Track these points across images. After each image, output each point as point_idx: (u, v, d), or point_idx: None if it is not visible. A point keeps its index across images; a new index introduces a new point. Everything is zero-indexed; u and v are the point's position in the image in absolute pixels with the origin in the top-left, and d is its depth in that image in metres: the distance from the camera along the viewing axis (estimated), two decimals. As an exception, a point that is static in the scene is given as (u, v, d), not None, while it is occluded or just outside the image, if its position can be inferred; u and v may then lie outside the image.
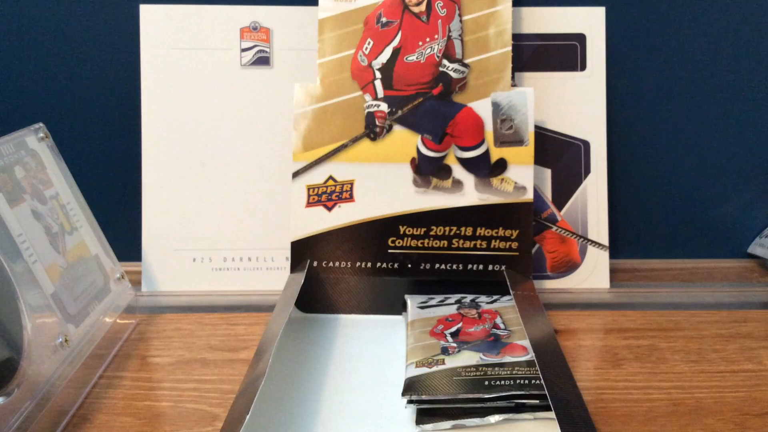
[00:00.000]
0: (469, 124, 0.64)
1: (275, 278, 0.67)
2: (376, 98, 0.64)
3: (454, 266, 0.64)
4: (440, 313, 0.59)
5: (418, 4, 0.64)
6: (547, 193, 0.67)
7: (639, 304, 0.65)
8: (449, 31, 0.64)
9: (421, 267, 0.64)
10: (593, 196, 0.67)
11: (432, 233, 0.64)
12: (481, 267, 0.64)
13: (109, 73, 0.70)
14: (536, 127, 0.65)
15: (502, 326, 0.56)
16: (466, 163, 0.64)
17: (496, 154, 0.64)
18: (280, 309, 0.56)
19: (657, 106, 0.71)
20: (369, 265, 0.64)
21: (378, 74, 0.64)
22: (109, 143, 0.71)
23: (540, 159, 0.66)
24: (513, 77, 0.65)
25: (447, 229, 0.64)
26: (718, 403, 0.49)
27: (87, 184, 0.62)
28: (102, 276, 0.60)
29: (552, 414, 0.42)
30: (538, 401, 0.47)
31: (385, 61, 0.64)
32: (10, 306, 0.46)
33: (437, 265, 0.64)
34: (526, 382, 0.48)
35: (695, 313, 0.63)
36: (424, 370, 0.50)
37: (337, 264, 0.64)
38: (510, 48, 0.64)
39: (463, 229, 0.64)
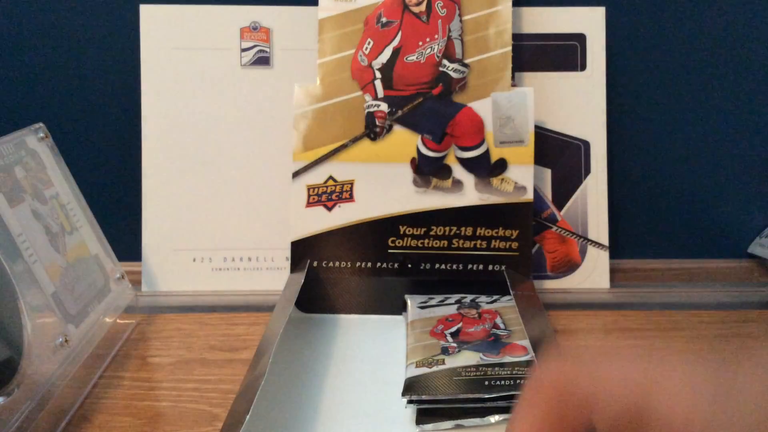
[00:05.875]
0: (469, 124, 0.64)
1: (275, 278, 0.67)
2: (376, 98, 0.64)
3: (454, 266, 0.64)
4: (440, 313, 0.59)
5: (418, 4, 0.64)
6: (547, 193, 0.67)
7: (639, 304, 0.65)
8: (449, 31, 0.64)
9: (421, 267, 0.64)
10: (593, 196, 0.67)
11: (432, 233, 0.64)
12: (481, 267, 0.64)
13: (109, 73, 0.70)
14: (536, 127, 0.65)
15: (502, 326, 0.56)
16: (466, 163, 0.64)
17: (496, 154, 0.64)
18: (280, 309, 0.56)
19: (657, 106, 0.71)
20: (369, 265, 0.64)
21: (378, 74, 0.64)
22: (109, 143, 0.71)
23: (540, 159, 0.66)
24: (513, 77, 0.65)
25: (447, 229, 0.64)
26: (718, 403, 0.49)
27: (87, 184, 0.62)
28: (102, 276, 0.59)
29: (552, 414, 0.42)
30: (538, 401, 0.47)
31: (385, 61, 0.64)
32: (10, 306, 0.46)
33: (437, 265, 0.64)
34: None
35: (695, 313, 0.63)
36: (424, 370, 0.50)
37: (337, 264, 0.64)
38: (510, 48, 0.64)
39: (463, 229, 0.64)
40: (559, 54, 0.67)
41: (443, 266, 0.64)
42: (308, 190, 0.64)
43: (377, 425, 0.47)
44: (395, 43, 0.64)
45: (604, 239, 0.67)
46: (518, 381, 0.48)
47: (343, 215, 0.64)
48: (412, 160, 0.64)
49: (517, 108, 0.64)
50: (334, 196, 0.64)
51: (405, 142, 0.64)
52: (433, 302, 0.61)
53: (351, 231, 0.64)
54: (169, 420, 0.48)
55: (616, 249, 0.72)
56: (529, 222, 0.64)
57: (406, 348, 0.54)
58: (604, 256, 0.67)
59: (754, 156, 0.72)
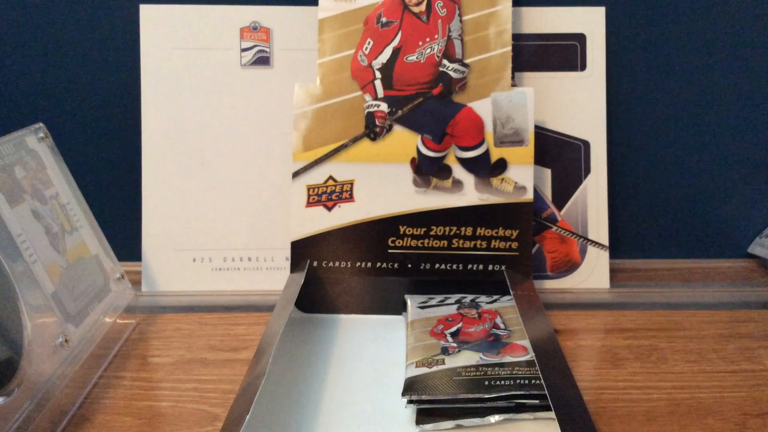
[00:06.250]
0: (469, 124, 0.64)
1: (275, 278, 0.67)
2: (376, 98, 0.64)
3: (454, 266, 0.64)
4: (440, 313, 0.59)
5: (418, 4, 0.64)
6: (547, 193, 0.67)
7: (639, 304, 0.65)
8: (449, 31, 0.64)
9: (421, 267, 0.64)
10: (593, 196, 0.67)
11: (432, 233, 0.64)
12: (481, 267, 0.64)
13: (109, 73, 0.70)
14: (536, 127, 0.65)
15: (502, 326, 0.56)
16: (466, 163, 0.64)
17: (496, 154, 0.64)
18: (280, 309, 0.56)
19: (657, 106, 0.71)
20: (369, 265, 0.64)
21: (378, 74, 0.64)
22: (109, 143, 0.71)
23: (540, 159, 0.66)
24: (513, 77, 0.65)
25: (447, 229, 0.64)
26: (718, 403, 0.49)
27: (87, 184, 0.62)
28: (102, 276, 0.60)
29: (552, 414, 0.42)
30: (538, 401, 0.47)
31: (385, 61, 0.64)
32: (10, 306, 0.46)
33: (437, 265, 0.64)
34: (526, 382, 0.48)
35: (695, 313, 0.63)
36: (424, 370, 0.50)
37: (337, 264, 0.64)
38: (510, 48, 0.64)
39: (463, 229, 0.64)
40: (559, 54, 0.67)
41: (443, 266, 0.64)
42: (308, 190, 0.64)
43: (377, 425, 0.47)
44: (395, 43, 0.64)
45: (604, 239, 0.67)
46: (518, 381, 0.48)
47: (343, 215, 0.64)
48: (412, 160, 0.64)
49: (517, 108, 0.64)
50: (334, 196, 0.64)
51: (405, 142, 0.64)
52: (433, 302, 0.61)
53: (351, 231, 0.64)
54: (169, 420, 0.48)
55: (616, 249, 0.72)
56: (529, 222, 0.64)
57: (406, 348, 0.54)
58: (604, 256, 0.67)
59: (754, 156, 0.72)
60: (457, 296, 0.62)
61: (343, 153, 0.64)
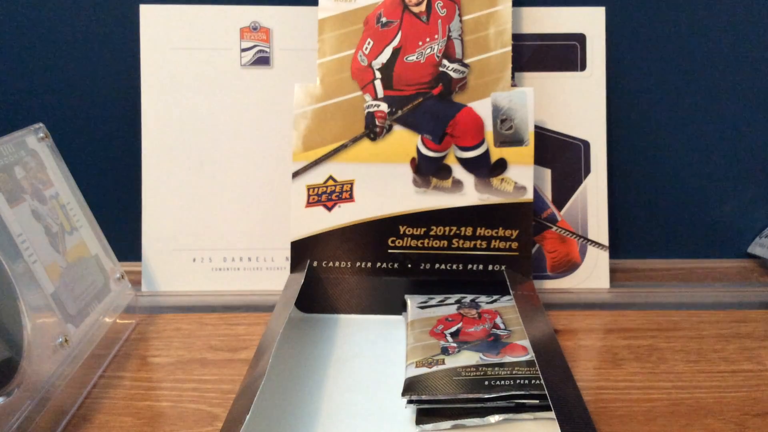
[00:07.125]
0: (469, 124, 0.64)
1: (275, 278, 0.67)
2: (376, 98, 0.64)
3: (454, 266, 0.64)
4: (440, 313, 0.59)
5: (418, 4, 0.64)
6: (547, 193, 0.67)
7: (639, 304, 0.65)
8: (449, 31, 0.64)
9: (421, 267, 0.64)
10: (593, 196, 0.67)
11: (432, 233, 0.64)
12: (481, 267, 0.64)
13: (109, 73, 0.70)
14: (536, 127, 0.65)
15: (502, 326, 0.56)
16: (466, 163, 0.64)
17: (496, 154, 0.64)
18: (280, 309, 0.56)
19: (657, 106, 0.71)
20: (369, 265, 0.64)
21: (378, 74, 0.64)
22: (109, 143, 0.71)
23: (540, 159, 0.66)
24: (513, 77, 0.65)
25: (447, 229, 0.64)
26: (718, 403, 0.49)
27: (87, 184, 0.62)
28: (102, 276, 0.59)
29: (552, 414, 0.42)
30: (538, 401, 0.47)
31: (385, 61, 0.64)
32: (10, 306, 0.46)
33: (437, 265, 0.64)
34: (526, 382, 0.48)
35: (695, 313, 0.63)
36: (424, 370, 0.50)
37: (337, 264, 0.64)
38: (510, 48, 0.64)
39: (463, 229, 0.64)
40: (559, 54, 0.67)
41: (443, 266, 0.64)
42: (308, 190, 0.64)
43: (377, 425, 0.47)
44: (395, 43, 0.64)
45: (604, 239, 0.67)
46: (518, 381, 0.48)
47: (343, 215, 0.64)
48: (412, 160, 0.64)
49: (517, 108, 0.64)
50: (334, 196, 0.64)
51: (405, 142, 0.64)
52: (433, 302, 0.61)
53: (351, 231, 0.64)
54: (169, 420, 0.48)
55: (616, 249, 0.72)
56: (529, 222, 0.64)
57: (406, 348, 0.54)
58: (604, 256, 0.67)
59: (754, 156, 0.72)
60: (457, 296, 0.62)
61: (343, 153, 0.64)
